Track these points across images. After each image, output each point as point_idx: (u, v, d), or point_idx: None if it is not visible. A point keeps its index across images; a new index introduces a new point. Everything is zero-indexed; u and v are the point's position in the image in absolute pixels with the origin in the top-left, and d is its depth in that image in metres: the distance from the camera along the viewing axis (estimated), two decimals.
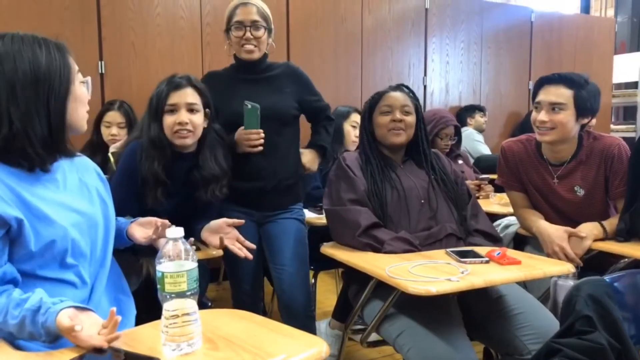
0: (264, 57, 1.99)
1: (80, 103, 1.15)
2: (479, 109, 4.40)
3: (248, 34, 1.89)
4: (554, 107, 1.83)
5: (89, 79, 1.20)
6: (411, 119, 1.79)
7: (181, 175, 1.71)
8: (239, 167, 1.91)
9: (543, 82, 1.89)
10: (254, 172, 1.94)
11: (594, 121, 3.02)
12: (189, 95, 1.68)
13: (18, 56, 1.05)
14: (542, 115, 1.84)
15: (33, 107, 1.05)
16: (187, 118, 1.65)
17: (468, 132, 4.09)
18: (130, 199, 1.61)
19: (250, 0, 1.92)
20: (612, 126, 5.71)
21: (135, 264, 1.50)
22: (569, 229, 1.78)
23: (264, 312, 2.52)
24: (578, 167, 1.90)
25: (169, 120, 1.66)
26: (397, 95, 1.81)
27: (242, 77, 1.97)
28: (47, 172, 1.12)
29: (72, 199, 1.16)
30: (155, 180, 1.63)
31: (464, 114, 4.40)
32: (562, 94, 1.83)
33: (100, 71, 3.09)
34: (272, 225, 2.00)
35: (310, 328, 2.04)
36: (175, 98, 1.66)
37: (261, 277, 2.13)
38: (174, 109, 1.66)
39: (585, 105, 1.84)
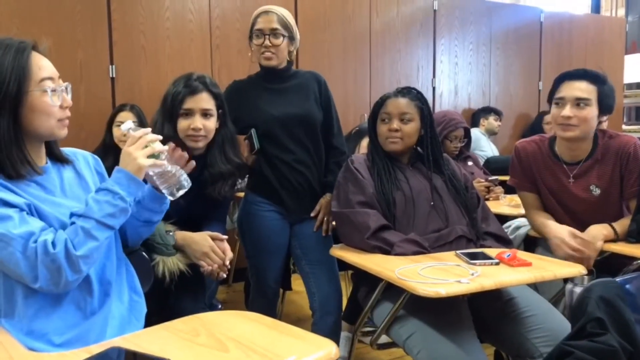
0: (289, 66, 2.02)
1: (39, 114, 1.08)
2: (495, 112, 4.36)
3: (267, 42, 1.93)
4: (579, 102, 1.81)
5: (60, 86, 1.12)
6: (410, 127, 1.78)
7: (193, 176, 1.72)
8: (277, 175, 1.96)
9: (565, 77, 1.87)
10: (291, 179, 1.97)
11: (605, 123, 2.99)
12: (204, 101, 1.69)
13: None
14: (567, 111, 1.81)
15: None
16: (201, 124, 1.67)
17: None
18: None
19: (271, 9, 1.96)
20: (623, 126, 5.66)
21: (147, 265, 1.51)
22: (578, 232, 1.76)
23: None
24: (594, 166, 1.88)
25: (183, 124, 1.68)
26: (398, 102, 1.78)
27: (269, 87, 2.00)
28: (40, 174, 1.12)
29: (69, 198, 1.17)
30: None
31: (478, 114, 4.38)
32: (586, 89, 1.81)
33: (111, 75, 3.13)
34: (305, 224, 2.03)
35: (340, 325, 2.09)
36: (190, 103, 1.68)
37: (282, 276, 2.16)
38: (188, 113, 1.68)
39: (607, 102, 1.82)
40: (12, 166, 1.06)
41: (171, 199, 1.26)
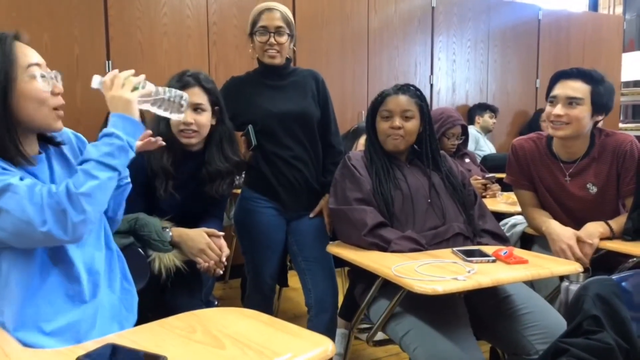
0: (287, 63, 2.02)
1: (29, 100, 1.07)
2: (491, 109, 4.36)
3: (272, 40, 1.92)
4: (571, 101, 1.81)
5: (49, 73, 1.11)
6: (411, 124, 1.77)
7: (190, 171, 1.73)
8: (274, 171, 1.96)
9: (560, 76, 1.87)
10: (288, 176, 1.97)
11: (600, 122, 3.00)
12: (196, 95, 1.68)
13: None
14: (558, 109, 1.82)
15: None
16: (192, 118, 1.67)
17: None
18: (135, 193, 1.62)
19: (274, 6, 1.95)
20: (620, 125, 5.67)
21: (143, 262, 1.51)
22: (578, 232, 1.77)
23: None
24: (591, 164, 1.88)
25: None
26: (399, 100, 1.78)
27: (268, 83, 2.00)
28: (31, 165, 1.10)
29: None
30: (165, 174, 1.66)
31: (473, 111, 4.38)
32: (579, 88, 1.81)
33: (107, 70, 3.11)
34: (301, 221, 2.04)
35: (336, 322, 2.09)
36: None
37: (278, 273, 2.16)
38: None
39: (602, 101, 1.82)
40: (3, 156, 1.05)
41: (180, 118, 1.30)
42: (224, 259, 1.63)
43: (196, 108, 1.68)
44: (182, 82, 1.69)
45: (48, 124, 1.12)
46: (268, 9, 1.94)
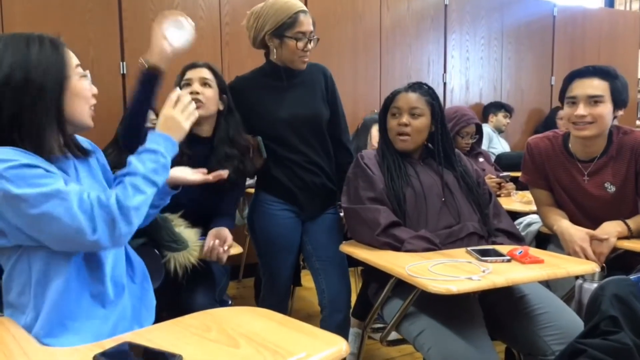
0: None
1: (79, 98, 1.14)
2: (506, 108, 4.31)
3: (309, 46, 1.88)
4: (592, 99, 1.78)
5: (87, 72, 1.19)
6: (419, 122, 1.76)
7: (200, 158, 1.75)
8: (290, 175, 1.95)
9: (575, 76, 1.84)
10: (305, 179, 1.96)
11: (616, 120, 2.95)
12: (203, 72, 1.82)
13: (5, 57, 1.06)
14: (581, 110, 1.78)
15: (25, 104, 1.05)
16: (200, 89, 1.78)
17: None
18: None
19: (304, 8, 1.89)
20: (637, 122, 5.58)
21: (158, 262, 1.52)
22: (591, 231, 1.75)
23: None
24: (609, 163, 1.86)
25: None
26: (408, 97, 1.77)
27: (277, 85, 1.93)
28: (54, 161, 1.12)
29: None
30: (179, 154, 1.68)
31: (488, 109, 4.34)
32: (598, 86, 1.78)
33: (122, 72, 3.14)
34: (315, 221, 2.03)
35: (349, 322, 2.09)
36: (190, 74, 1.82)
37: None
38: (189, 83, 1.80)
39: (621, 96, 1.79)
40: (48, 148, 1.08)
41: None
42: (226, 247, 1.67)
43: (204, 83, 1.79)
44: (191, 65, 1.83)
45: (85, 121, 1.17)
46: (303, 11, 1.86)
